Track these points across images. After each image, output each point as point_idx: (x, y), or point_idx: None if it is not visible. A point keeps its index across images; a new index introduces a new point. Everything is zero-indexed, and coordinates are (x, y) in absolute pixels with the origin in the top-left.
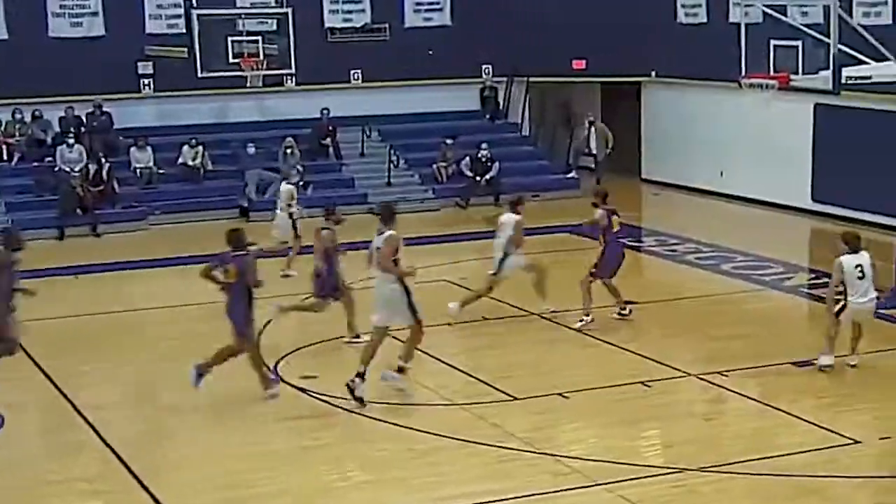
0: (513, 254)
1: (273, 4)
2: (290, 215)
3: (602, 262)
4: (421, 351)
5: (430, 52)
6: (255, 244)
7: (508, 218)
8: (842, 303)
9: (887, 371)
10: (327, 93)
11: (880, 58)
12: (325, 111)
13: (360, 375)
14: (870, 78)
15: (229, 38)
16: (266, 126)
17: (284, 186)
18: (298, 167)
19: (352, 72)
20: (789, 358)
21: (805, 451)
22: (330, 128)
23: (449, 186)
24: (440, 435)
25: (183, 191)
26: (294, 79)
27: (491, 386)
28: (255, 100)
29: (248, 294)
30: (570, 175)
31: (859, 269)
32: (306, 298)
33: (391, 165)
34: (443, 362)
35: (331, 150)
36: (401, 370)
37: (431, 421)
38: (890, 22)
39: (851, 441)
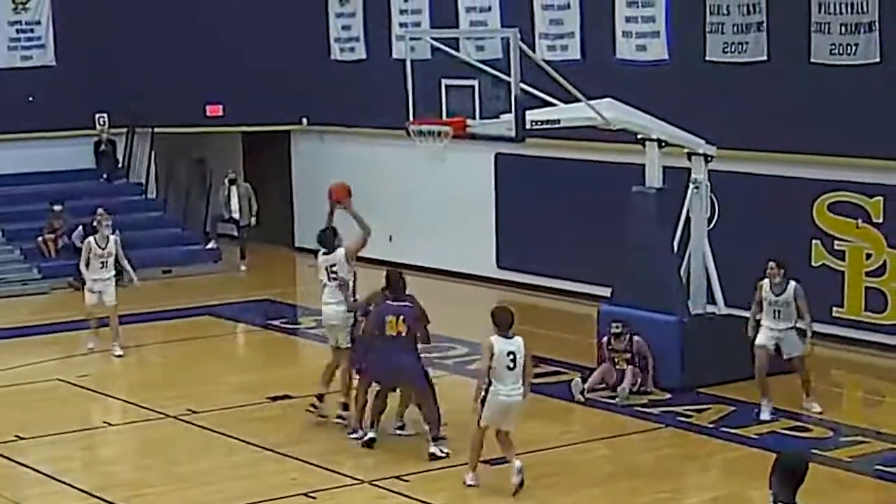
0: None
1: None
2: None
3: None
4: (29, 468)
5: (31, 99)
6: None
7: None
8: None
9: (590, 464)
10: None
11: (569, 98)
12: None
13: None
14: (558, 122)
15: None
16: None
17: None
18: None
19: None
20: (482, 455)
21: None
22: None
23: (59, 263)
24: None
25: None
26: None
27: None
28: None
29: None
30: (208, 245)
31: (511, 357)
32: None
33: None
34: (59, 481)
35: None
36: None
37: None
38: (579, 56)
39: None
